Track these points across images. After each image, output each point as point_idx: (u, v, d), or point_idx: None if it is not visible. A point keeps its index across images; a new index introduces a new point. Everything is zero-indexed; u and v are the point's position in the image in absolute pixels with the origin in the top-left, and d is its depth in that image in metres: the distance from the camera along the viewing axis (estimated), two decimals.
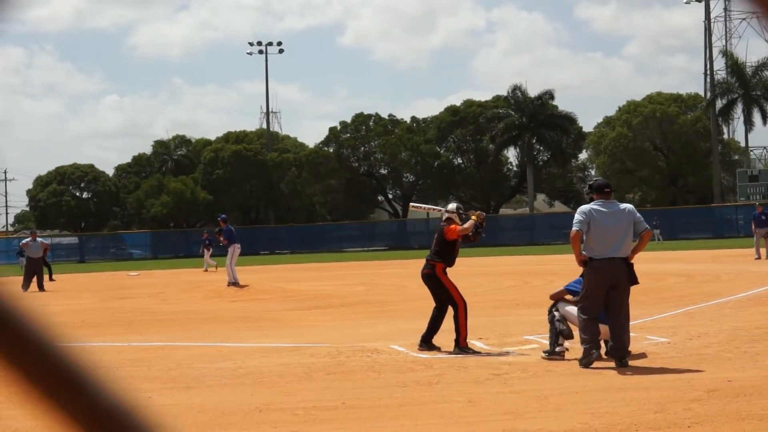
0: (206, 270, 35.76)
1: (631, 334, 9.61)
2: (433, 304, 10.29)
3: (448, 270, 10.24)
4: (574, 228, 8.72)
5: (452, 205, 10.69)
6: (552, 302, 9.44)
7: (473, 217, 10.19)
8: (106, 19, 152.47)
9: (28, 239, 27.22)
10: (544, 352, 9.11)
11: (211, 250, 36.79)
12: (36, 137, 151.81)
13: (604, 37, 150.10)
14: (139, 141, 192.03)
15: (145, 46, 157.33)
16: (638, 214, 8.91)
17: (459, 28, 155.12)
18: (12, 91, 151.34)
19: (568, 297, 9.35)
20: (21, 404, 0.80)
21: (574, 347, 9.10)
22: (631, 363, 8.60)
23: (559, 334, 8.99)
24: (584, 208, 8.92)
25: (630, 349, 8.72)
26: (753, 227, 28.59)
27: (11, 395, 0.81)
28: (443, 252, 10.19)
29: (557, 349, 8.96)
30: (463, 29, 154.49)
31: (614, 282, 8.63)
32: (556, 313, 9.18)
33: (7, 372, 0.77)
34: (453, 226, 10.18)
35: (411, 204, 9.34)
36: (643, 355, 9.05)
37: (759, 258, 27.00)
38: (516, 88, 66.09)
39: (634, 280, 8.76)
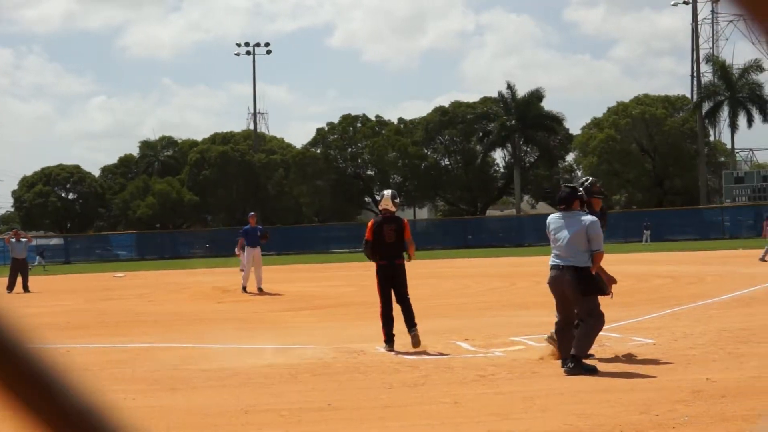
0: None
1: (615, 336, 9.61)
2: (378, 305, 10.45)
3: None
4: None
5: (388, 192, 10.89)
6: None
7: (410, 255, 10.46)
8: (97, 20, 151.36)
9: (9, 234, 27.14)
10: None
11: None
12: (23, 138, 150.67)
13: (592, 40, 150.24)
14: (128, 142, 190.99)
15: (135, 47, 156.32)
16: (596, 231, 8.35)
17: (448, 30, 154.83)
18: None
19: None
20: None
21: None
22: (617, 364, 8.61)
23: None
24: (549, 218, 8.89)
25: (594, 354, 8.68)
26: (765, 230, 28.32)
27: None
28: (402, 247, 10.40)
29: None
30: (453, 31, 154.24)
31: (561, 290, 8.45)
32: None
33: None
34: (408, 232, 10.40)
35: None
36: (628, 357, 9.06)
37: (764, 260, 26.66)
38: (508, 87, 66.06)
39: (583, 290, 8.28)
